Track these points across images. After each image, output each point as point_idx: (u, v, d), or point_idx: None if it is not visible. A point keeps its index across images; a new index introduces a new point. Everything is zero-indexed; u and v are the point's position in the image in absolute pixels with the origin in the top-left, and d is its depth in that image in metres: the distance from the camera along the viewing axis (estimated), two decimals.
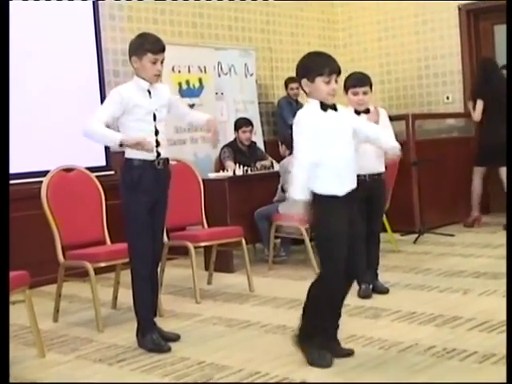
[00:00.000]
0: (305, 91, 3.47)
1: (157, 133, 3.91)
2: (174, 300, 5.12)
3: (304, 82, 3.42)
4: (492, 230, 7.32)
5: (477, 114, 7.49)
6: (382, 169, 4.76)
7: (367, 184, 4.49)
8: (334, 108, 3.43)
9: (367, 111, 4.64)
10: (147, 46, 3.83)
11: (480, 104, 7.46)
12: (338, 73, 3.41)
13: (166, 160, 4.01)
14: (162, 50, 3.87)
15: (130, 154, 3.88)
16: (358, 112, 4.56)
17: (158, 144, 3.89)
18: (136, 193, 3.87)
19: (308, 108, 3.43)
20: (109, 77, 6.88)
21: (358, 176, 3.53)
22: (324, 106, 3.39)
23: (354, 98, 4.61)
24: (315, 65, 3.41)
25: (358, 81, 4.66)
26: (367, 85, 4.66)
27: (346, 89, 4.65)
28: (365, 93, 4.62)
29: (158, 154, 3.91)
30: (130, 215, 3.93)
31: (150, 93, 3.93)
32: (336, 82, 3.39)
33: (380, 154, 4.54)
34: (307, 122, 3.34)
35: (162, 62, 3.90)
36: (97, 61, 6.66)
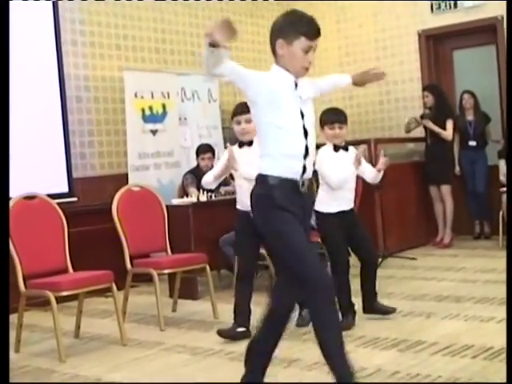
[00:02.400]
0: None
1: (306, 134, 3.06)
2: (137, 328, 5.07)
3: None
4: (454, 253, 7.40)
5: (450, 133, 7.80)
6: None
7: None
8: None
9: (346, 148, 4.79)
10: (302, 27, 2.98)
11: (450, 123, 7.77)
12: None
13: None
14: (319, 34, 3.04)
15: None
16: (337, 147, 4.74)
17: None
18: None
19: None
20: (71, 103, 6.85)
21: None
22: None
23: (330, 132, 4.71)
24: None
25: (335, 116, 4.75)
26: (342, 119, 4.77)
27: (322, 124, 4.73)
28: (340, 127, 4.71)
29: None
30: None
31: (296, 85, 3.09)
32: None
33: None
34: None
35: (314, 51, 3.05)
36: (59, 87, 6.63)
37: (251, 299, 4.70)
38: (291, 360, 3.98)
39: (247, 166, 4.37)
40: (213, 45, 2.79)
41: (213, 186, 4.94)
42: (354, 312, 4.72)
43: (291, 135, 2.96)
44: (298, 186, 2.97)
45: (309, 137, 3.00)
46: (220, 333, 4.51)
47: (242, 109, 4.48)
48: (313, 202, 3.22)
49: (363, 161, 4.82)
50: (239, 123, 4.61)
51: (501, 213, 7.35)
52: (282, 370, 3.82)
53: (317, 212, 4.69)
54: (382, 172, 4.85)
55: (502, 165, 7.46)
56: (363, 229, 4.85)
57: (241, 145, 4.65)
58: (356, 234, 4.76)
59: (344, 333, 4.39)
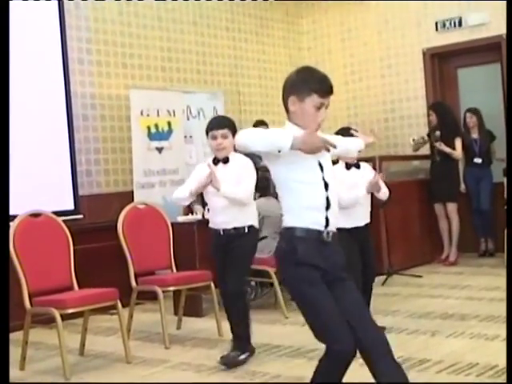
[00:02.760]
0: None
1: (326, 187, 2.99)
2: (142, 346, 5.07)
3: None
4: (459, 271, 7.39)
5: (459, 152, 7.82)
6: None
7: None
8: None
9: (358, 165, 4.87)
10: (314, 84, 2.95)
11: (459, 142, 7.78)
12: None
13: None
14: (331, 91, 3.00)
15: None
16: (348, 165, 4.81)
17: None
18: None
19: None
20: (78, 121, 6.90)
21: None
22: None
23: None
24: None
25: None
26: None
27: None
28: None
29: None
30: None
31: None
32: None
33: None
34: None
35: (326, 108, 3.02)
36: (65, 105, 6.67)
37: (248, 319, 4.58)
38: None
39: (223, 184, 4.31)
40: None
41: (186, 203, 4.82)
42: None
43: (311, 188, 2.91)
44: (324, 237, 2.90)
45: (329, 188, 2.94)
46: (225, 363, 4.36)
47: (219, 123, 4.43)
48: (341, 258, 3.01)
49: (380, 181, 4.84)
50: (215, 138, 4.41)
51: (506, 230, 7.34)
52: None
53: None
54: (386, 192, 4.88)
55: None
56: (371, 245, 4.89)
57: (216, 161, 4.48)
58: (364, 249, 4.79)
59: None
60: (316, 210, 2.90)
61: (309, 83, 2.92)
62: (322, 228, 2.89)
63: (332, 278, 2.87)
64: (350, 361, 2.82)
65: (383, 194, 4.88)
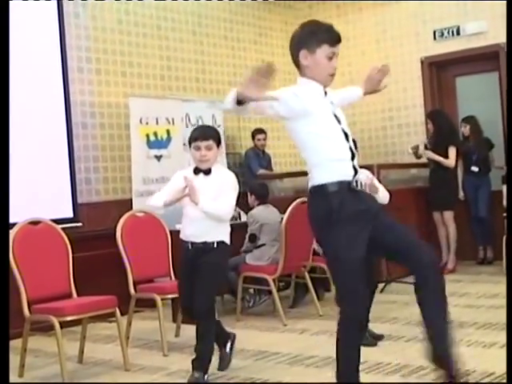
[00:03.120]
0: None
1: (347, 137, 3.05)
2: (141, 353, 5.08)
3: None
4: (458, 279, 7.40)
5: (451, 161, 7.80)
6: None
7: None
8: None
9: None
10: (323, 34, 2.97)
11: (452, 150, 7.78)
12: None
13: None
14: (340, 39, 3.03)
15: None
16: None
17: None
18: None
19: None
20: (77, 129, 6.92)
21: None
22: None
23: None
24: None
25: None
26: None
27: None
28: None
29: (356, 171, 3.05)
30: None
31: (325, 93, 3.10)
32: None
33: None
34: None
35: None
36: (65, 113, 6.69)
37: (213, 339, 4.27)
38: None
39: (202, 197, 4.05)
40: (240, 101, 2.76)
41: (161, 212, 4.57)
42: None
43: (334, 140, 2.94)
44: (354, 187, 2.94)
45: (349, 139, 3.00)
46: None
47: (204, 134, 4.19)
48: (375, 200, 3.15)
49: (376, 182, 4.85)
50: (199, 149, 4.15)
51: (504, 238, 7.37)
52: None
53: None
54: (387, 195, 4.87)
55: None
56: None
57: (196, 171, 4.23)
58: (367, 258, 4.76)
59: None
60: (343, 161, 2.94)
61: (317, 34, 2.95)
62: (351, 178, 2.94)
63: (373, 223, 2.94)
64: (363, 324, 3.13)
65: (384, 197, 4.82)
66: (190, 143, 4.24)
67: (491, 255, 8.08)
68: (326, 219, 2.89)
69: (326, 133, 2.92)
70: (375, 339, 4.81)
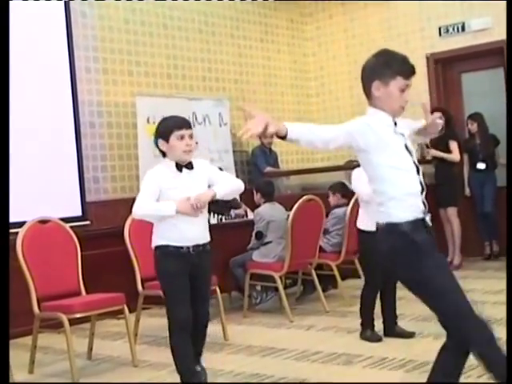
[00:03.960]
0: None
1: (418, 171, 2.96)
2: (149, 350, 5.14)
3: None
4: (464, 275, 7.43)
5: (456, 155, 7.83)
6: None
7: None
8: None
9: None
10: (398, 66, 2.91)
11: (454, 144, 7.82)
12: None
13: None
14: (414, 72, 2.97)
15: None
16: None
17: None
18: None
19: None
20: (85, 128, 6.99)
21: None
22: None
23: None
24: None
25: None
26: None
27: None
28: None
29: None
30: None
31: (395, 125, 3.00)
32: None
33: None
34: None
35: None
36: (73, 112, 6.77)
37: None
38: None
39: (187, 192, 3.69)
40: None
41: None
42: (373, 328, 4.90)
43: (405, 173, 2.90)
44: (426, 223, 2.91)
45: (420, 172, 2.94)
46: None
47: (186, 122, 3.79)
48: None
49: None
50: (182, 138, 3.70)
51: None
52: None
53: (358, 230, 4.82)
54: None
55: None
56: None
57: (179, 167, 3.77)
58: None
59: (353, 353, 4.50)
60: (414, 195, 2.89)
61: (392, 66, 2.90)
62: (422, 214, 2.91)
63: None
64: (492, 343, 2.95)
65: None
66: (164, 134, 3.72)
67: (497, 250, 8.10)
68: (406, 254, 2.87)
69: (397, 165, 2.88)
70: (408, 337, 4.90)
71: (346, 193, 6.44)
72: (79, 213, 6.74)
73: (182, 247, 3.74)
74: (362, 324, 4.96)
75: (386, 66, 2.89)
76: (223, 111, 8.19)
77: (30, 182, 6.23)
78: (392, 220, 2.87)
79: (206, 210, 3.85)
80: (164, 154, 3.82)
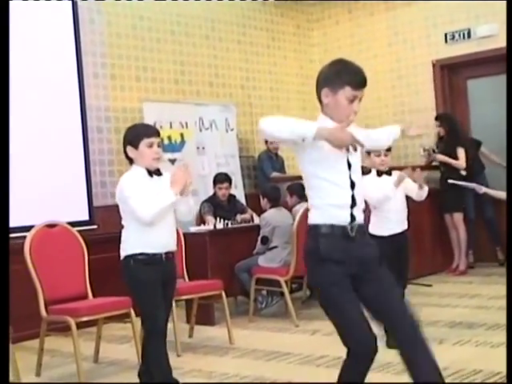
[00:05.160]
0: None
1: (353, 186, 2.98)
2: None
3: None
4: (468, 280, 7.46)
5: (462, 162, 7.85)
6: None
7: None
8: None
9: (389, 173, 4.90)
10: (347, 76, 2.92)
11: (462, 151, 7.83)
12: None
13: None
14: (365, 84, 2.97)
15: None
16: (380, 173, 4.89)
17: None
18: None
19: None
20: (92, 133, 7.04)
21: None
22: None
23: (377, 159, 4.85)
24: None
25: None
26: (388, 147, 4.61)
27: (368, 152, 4.78)
28: (386, 155, 4.85)
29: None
30: None
31: None
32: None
33: None
34: None
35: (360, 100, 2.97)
36: (80, 117, 6.80)
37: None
38: None
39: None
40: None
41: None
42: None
43: (337, 187, 2.92)
44: (349, 232, 2.90)
45: (356, 187, 2.95)
46: None
47: (155, 130, 3.90)
48: (371, 250, 3.02)
49: (408, 180, 4.94)
50: (151, 146, 3.76)
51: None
52: None
53: (369, 234, 4.84)
54: (425, 188, 5.01)
55: None
56: (408, 254, 4.95)
57: (150, 173, 3.81)
58: (400, 258, 4.78)
59: None
60: (341, 208, 2.91)
61: (342, 75, 2.91)
62: (347, 224, 2.91)
63: (361, 271, 2.90)
64: (371, 362, 2.90)
65: (424, 191, 5.03)
66: (133, 141, 3.77)
67: (502, 257, 8.10)
68: (314, 258, 2.90)
69: (331, 178, 2.91)
70: None
71: (304, 194, 6.49)
72: (86, 217, 6.77)
73: (155, 254, 3.74)
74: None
75: (336, 75, 2.91)
76: (230, 117, 8.23)
77: (38, 187, 6.28)
78: (311, 222, 2.93)
79: (173, 219, 3.84)
80: (131, 161, 3.84)
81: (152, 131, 3.84)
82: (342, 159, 2.91)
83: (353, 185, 2.94)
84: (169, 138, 7.46)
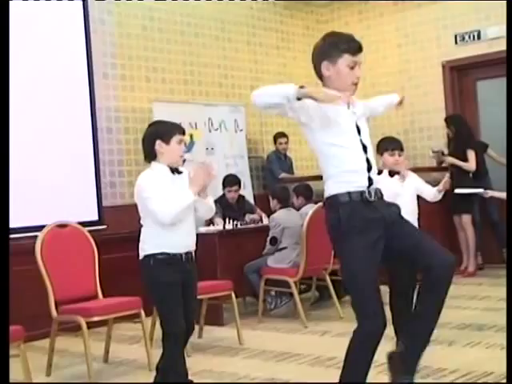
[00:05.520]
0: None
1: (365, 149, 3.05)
2: None
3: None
4: (478, 282, 7.44)
5: (472, 164, 7.83)
6: None
7: None
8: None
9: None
10: (343, 44, 3.01)
11: (471, 154, 7.81)
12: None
13: None
14: (361, 49, 3.06)
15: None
16: (392, 173, 4.82)
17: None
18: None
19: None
20: (102, 134, 7.06)
21: None
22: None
23: (391, 158, 4.78)
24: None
25: (395, 143, 4.82)
26: (402, 147, 4.87)
27: (382, 151, 4.81)
28: (400, 154, 4.81)
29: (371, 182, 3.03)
30: None
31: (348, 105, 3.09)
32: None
33: None
34: None
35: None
36: (90, 118, 6.83)
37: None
38: None
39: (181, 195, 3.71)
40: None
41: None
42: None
43: (350, 151, 2.96)
44: (367, 197, 2.95)
45: (368, 151, 3.02)
46: None
47: (184, 130, 3.88)
48: (393, 209, 3.07)
49: (422, 181, 5.03)
50: (180, 143, 3.79)
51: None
52: None
53: None
54: (442, 192, 5.02)
55: None
56: None
57: (172, 170, 3.79)
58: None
59: None
60: (358, 173, 2.96)
61: (338, 45, 3.01)
62: (365, 188, 2.96)
63: (388, 233, 2.96)
64: (379, 339, 2.96)
65: (434, 194, 5.09)
66: (165, 136, 3.73)
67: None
68: (338, 230, 2.94)
69: (343, 143, 2.95)
70: None
71: (310, 195, 6.51)
72: (96, 217, 6.80)
73: (175, 254, 3.71)
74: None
75: (333, 46, 3.00)
76: (239, 117, 8.24)
77: (48, 187, 6.30)
78: (327, 194, 2.98)
79: (193, 218, 3.82)
80: (150, 158, 3.78)
81: (182, 129, 3.86)
82: (351, 123, 2.99)
83: (365, 148, 2.99)
84: None
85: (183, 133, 3.82)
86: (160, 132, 3.77)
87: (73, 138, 6.63)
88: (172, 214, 3.59)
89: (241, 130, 8.29)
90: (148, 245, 3.74)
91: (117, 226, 6.91)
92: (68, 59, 6.67)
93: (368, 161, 3.00)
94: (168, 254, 3.69)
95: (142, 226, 3.83)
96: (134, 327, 5.36)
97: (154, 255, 3.70)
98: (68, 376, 4.76)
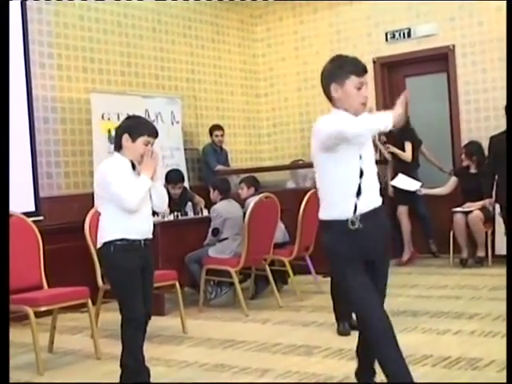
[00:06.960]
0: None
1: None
2: (109, 343, 5.15)
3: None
4: (407, 271, 7.72)
5: (409, 154, 8.10)
6: None
7: None
8: None
9: None
10: (349, 67, 3.14)
11: (408, 145, 8.09)
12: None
13: None
14: (366, 70, 3.19)
15: None
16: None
17: None
18: None
19: None
20: (39, 124, 6.99)
21: None
22: None
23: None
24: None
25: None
26: None
27: None
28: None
29: None
30: None
31: None
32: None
33: None
34: None
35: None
36: (27, 108, 6.74)
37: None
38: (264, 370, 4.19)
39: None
40: None
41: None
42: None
43: (347, 177, 3.11)
44: (348, 225, 3.11)
45: (364, 176, 3.12)
46: None
47: (156, 131, 3.94)
48: (382, 230, 3.25)
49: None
50: (147, 145, 3.80)
51: (451, 232, 7.71)
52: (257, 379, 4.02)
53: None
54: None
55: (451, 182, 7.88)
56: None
57: (133, 166, 3.84)
58: None
59: (312, 345, 4.67)
60: (346, 196, 3.12)
61: (344, 67, 3.14)
62: (351, 215, 3.12)
63: (367, 259, 3.19)
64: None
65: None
66: (134, 133, 3.77)
67: (436, 249, 8.42)
68: (325, 250, 3.23)
69: (340, 167, 3.11)
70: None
71: (258, 187, 6.67)
72: (32, 208, 6.72)
73: (135, 240, 3.76)
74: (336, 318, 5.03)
75: (339, 69, 3.13)
76: (175, 109, 8.29)
77: None
78: (320, 217, 3.23)
79: (150, 205, 3.89)
80: (119, 148, 3.83)
81: (155, 132, 3.88)
82: (355, 153, 3.11)
83: (361, 173, 3.12)
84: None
85: (154, 136, 3.85)
86: (130, 127, 3.83)
87: (10, 128, 6.53)
88: (137, 198, 3.68)
89: (177, 122, 8.33)
90: (107, 232, 3.78)
91: (54, 217, 6.87)
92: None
93: (359, 187, 3.11)
94: (128, 240, 3.74)
95: (99, 213, 3.86)
96: (74, 318, 5.38)
97: (114, 241, 3.74)
98: (13, 366, 4.70)
